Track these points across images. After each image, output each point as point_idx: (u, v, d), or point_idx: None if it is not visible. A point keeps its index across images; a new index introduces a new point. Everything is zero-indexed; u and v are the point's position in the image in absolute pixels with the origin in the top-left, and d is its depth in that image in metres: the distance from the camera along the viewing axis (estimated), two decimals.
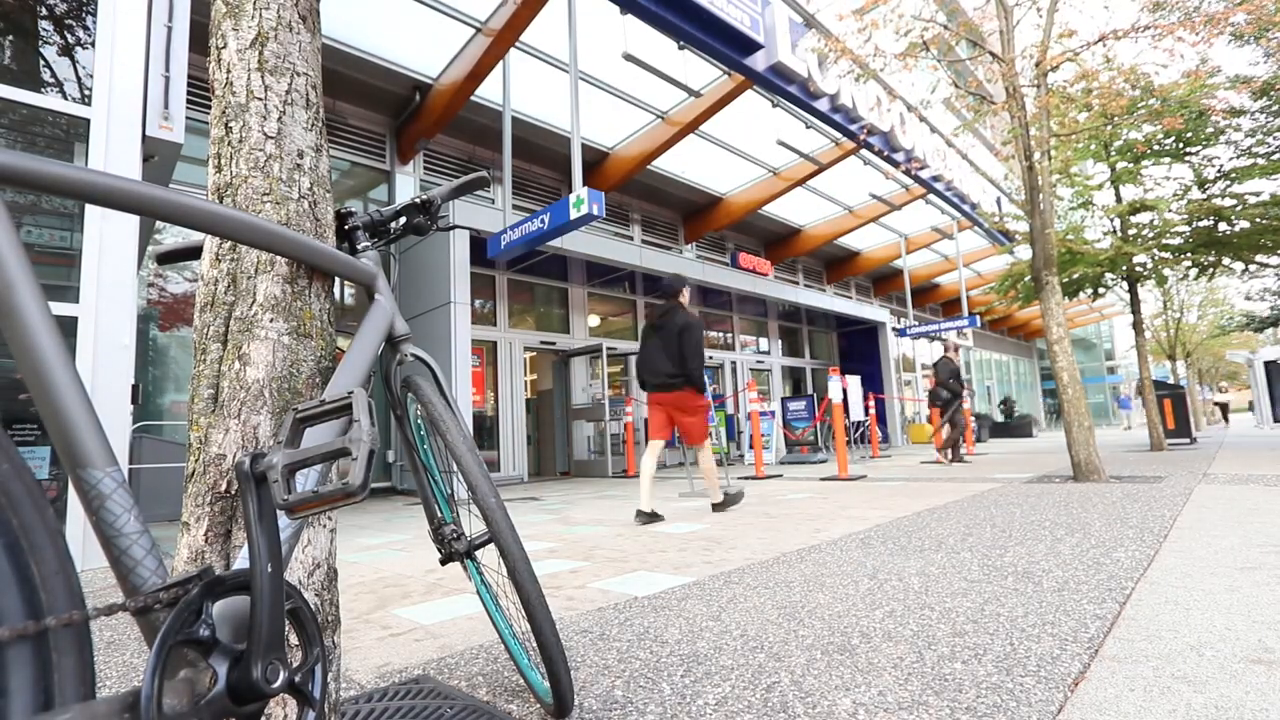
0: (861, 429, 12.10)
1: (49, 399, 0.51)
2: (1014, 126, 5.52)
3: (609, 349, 9.74)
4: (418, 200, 1.24)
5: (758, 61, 7.91)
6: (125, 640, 1.90)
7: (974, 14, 7.57)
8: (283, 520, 0.61)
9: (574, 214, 6.31)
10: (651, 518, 3.83)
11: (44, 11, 4.06)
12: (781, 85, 8.33)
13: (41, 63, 3.99)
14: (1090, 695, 1.13)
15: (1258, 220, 7.54)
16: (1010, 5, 5.40)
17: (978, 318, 15.41)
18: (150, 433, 5.84)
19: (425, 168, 9.06)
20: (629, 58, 7.75)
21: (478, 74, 7.53)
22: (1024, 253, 10.37)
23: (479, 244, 7.81)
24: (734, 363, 12.97)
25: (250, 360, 0.80)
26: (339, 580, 0.88)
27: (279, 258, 0.84)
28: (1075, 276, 8.92)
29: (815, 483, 6.11)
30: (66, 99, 3.87)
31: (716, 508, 4.20)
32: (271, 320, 0.83)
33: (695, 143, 10.15)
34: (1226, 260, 8.40)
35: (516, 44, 7.43)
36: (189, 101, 4.41)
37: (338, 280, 0.95)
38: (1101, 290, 9.51)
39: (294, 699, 0.60)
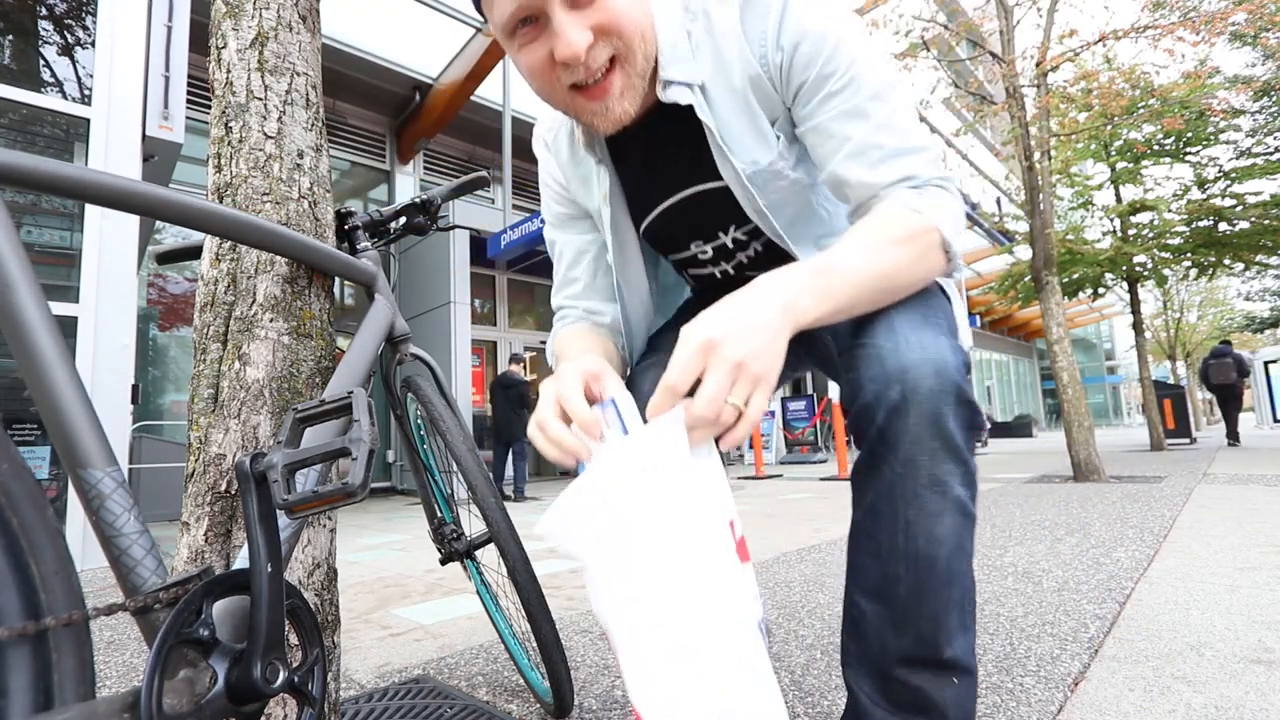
0: None
1: (49, 399, 0.51)
2: (1014, 126, 5.52)
3: None
4: (418, 200, 1.24)
5: None
6: (125, 640, 1.90)
7: (974, 14, 7.57)
8: (283, 520, 0.61)
9: None
10: None
11: (44, 11, 4.06)
12: None
13: (41, 63, 3.99)
14: (1090, 695, 1.13)
15: (1258, 220, 7.54)
16: (1010, 5, 5.39)
17: (978, 318, 15.42)
18: (150, 433, 5.84)
19: (425, 168, 9.07)
20: None
21: (478, 74, 7.53)
22: (1024, 253, 10.37)
23: (479, 244, 7.81)
24: None
25: (250, 360, 0.80)
26: (339, 580, 0.88)
27: (279, 258, 0.84)
28: (1075, 276, 8.92)
29: (815, 483, 6.11)
30: (66, 99, 3.87)
31: None
32: (271, 320, 0.83)
33: None
34: (1226, 260, 8.40)
35: None
36: (189, 101, 4.42)
37: (338, 280, 0.95)
38: (1101, 290, 9.51)
39: (294, 699, 0.60)
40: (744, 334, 0.54)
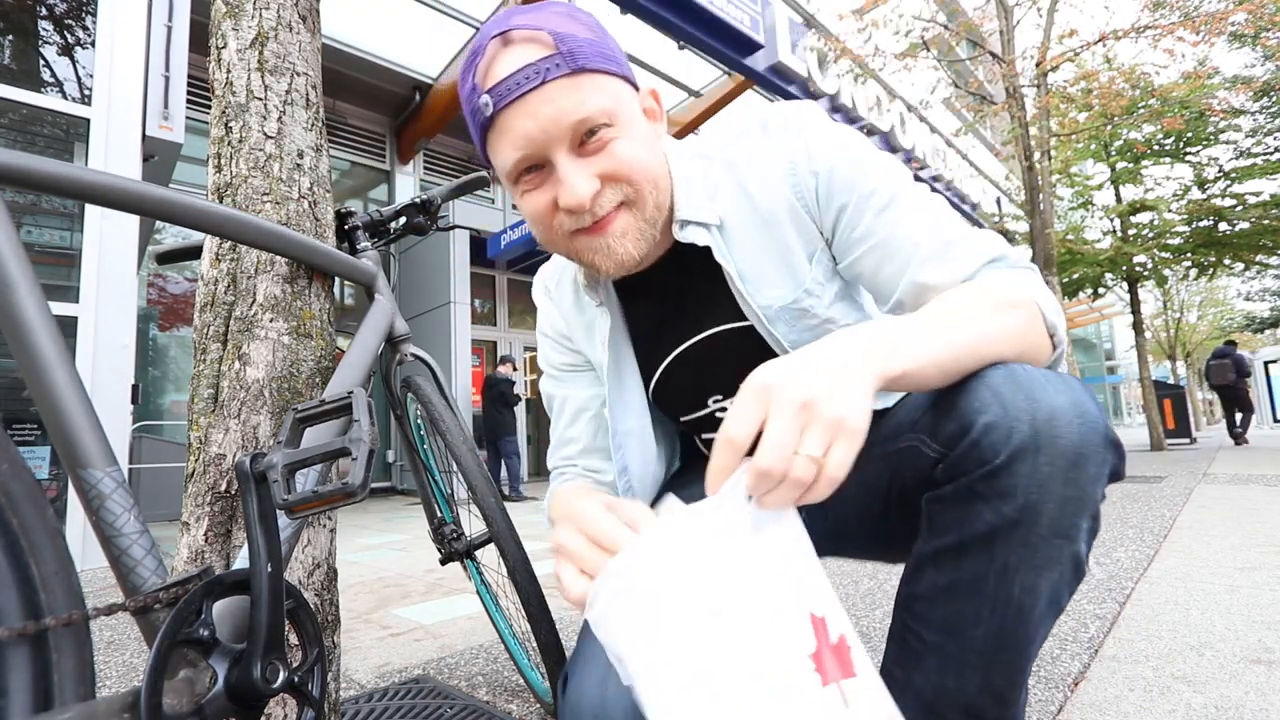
0: None
1: (49, 399, 0.51)
2: (1014, 126, 5.52)
3: None
4: (418, 200, 1.24)
5: (758, 61, 7.91)
6: (125, 640, 1.90)
7: (974, 14, 7.57)
8: (283, 520, 0.61)
9: None
10: None
11: (44, 11, 4.06)
12: (781, 85, 8.33)
13: (41, 63, 3.99)
14: (1090, 695, 1.13)
15: (1258, 220, 7.55)
16: (1010, 5, 5.40)
17: None
18: (150, 433, 5.84)
19: (425, 168, 9.07)
20: (629, 58, 7.74)
21: None
22: (1024, 253, 10.40)
23: (479, 244, 7.81)
24: None
25: (250, 360, 0.80)
26: (339, 580, 0.88)
27: (279, 258, 0.84)
28: (1075, 276, 8.93)
29: None
30: (66, 99, 3.87)
31: None
32: (271, 320, 0.83)
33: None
34: (1226, 260, 8.41)
35: None
36: (189, 101, 4.42)
37: (338, 280, 0.95)
38: (1101, 290, 9.52)
39: (294, 699, 0.60)
40: (811, 376, 0.44)
